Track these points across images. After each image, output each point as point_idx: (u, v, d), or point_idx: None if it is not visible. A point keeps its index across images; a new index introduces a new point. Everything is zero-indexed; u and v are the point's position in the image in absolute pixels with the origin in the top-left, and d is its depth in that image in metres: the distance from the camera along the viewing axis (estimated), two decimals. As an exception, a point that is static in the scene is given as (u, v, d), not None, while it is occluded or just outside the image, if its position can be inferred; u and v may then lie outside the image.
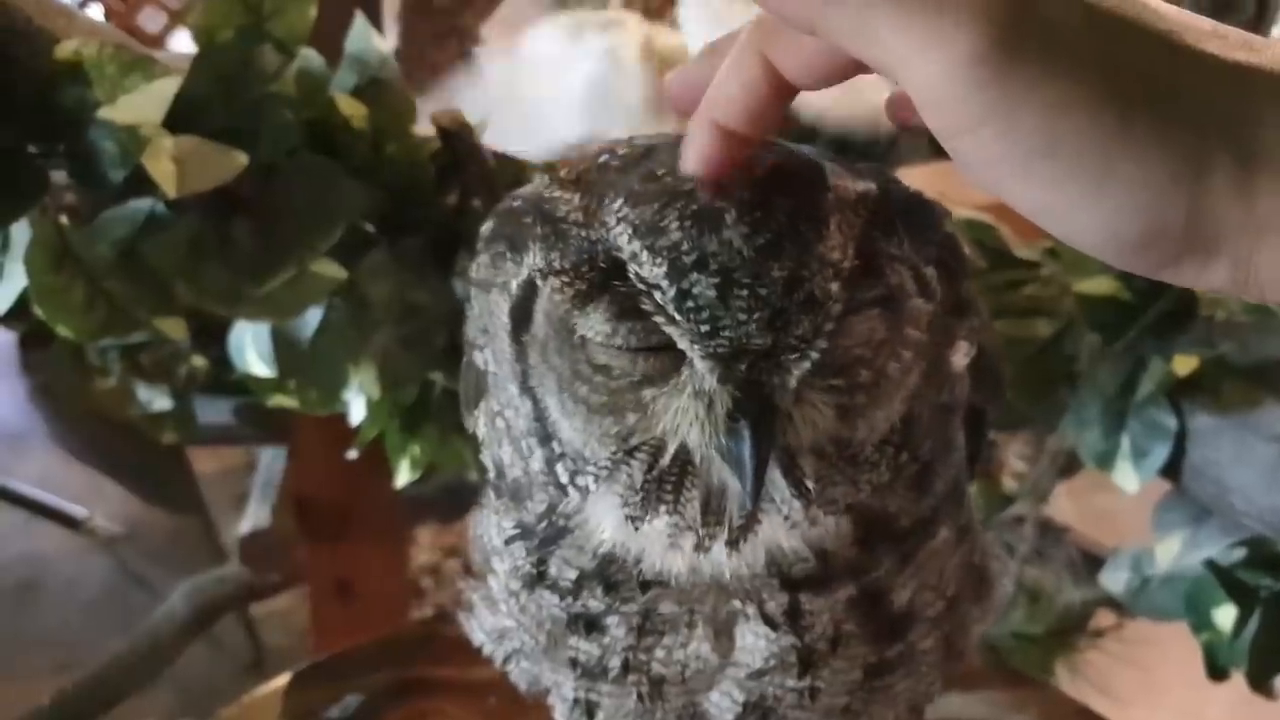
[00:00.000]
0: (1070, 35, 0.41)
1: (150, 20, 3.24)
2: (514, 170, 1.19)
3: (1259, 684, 1.23)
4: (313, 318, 1.18)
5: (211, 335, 1.72)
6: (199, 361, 1.82)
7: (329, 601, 1.88)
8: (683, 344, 0.52)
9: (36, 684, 2.19)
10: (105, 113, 0.96)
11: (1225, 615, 1.23)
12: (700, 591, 0.61)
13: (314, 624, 1.98)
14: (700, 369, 0.52)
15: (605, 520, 0.59)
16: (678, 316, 0.51)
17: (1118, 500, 1.34)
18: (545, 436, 0.59)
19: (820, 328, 0.51)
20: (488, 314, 0.62)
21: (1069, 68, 0.41)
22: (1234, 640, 1.23)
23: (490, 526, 0.68)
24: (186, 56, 1.07)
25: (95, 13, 2.81)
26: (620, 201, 0.53)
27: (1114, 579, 1.38)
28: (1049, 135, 0.41)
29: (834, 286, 0.51)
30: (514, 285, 0.58)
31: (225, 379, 1.79)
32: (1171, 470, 1.29)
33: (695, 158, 0.52)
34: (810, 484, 0.56)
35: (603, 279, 0.53)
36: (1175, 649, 1.38)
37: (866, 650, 0.64)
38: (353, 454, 1.30)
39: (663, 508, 0.57)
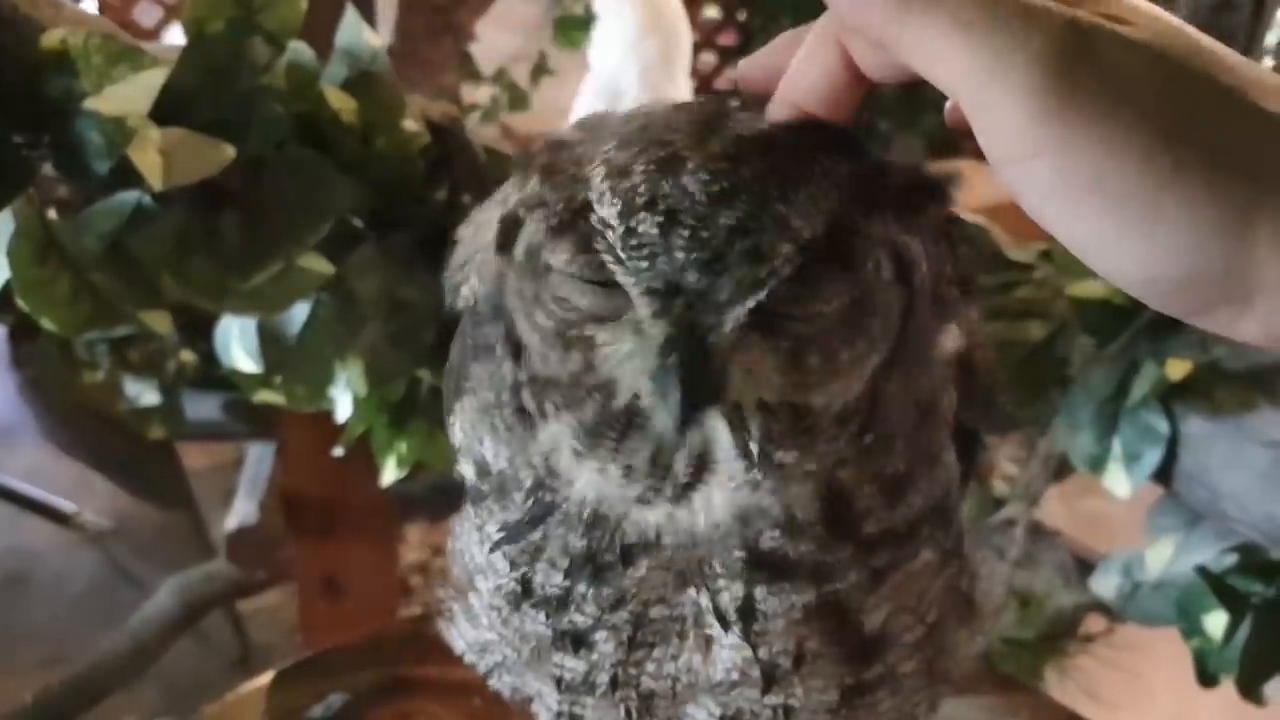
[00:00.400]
0: (1130, 78, 0.43)
1: (145, 14, 3.23)
2: (504, 165, 1.18)
3: (1249, 691, 1.23)
4: (300, 313, 1.17)
5: (200, 330, 1.71)
6: (187, 356, 1.82)
7: (317, 598, 1.87)
8: (624, 281, 0.52)
9: (24, 678, 2.18)
10: (91, 103, 0.95)
11: (1216, 622, 1.23)
12: (672, 568, 0.60)
13: (302, 621, 1.98)
14: (638, 305, 0.52)
15: (579, 474, 0.59)
16: (621, 253, 0.51)
17: (1109, 505, 1.34)
18: (516, 356, 0.60)
19: (761, 280, 0.51)
20: (475, 233, 0.63)
21: (1126, 109, 0.42)
22: (1224, 647, 1.23)
23: (472, 543, 0.67)
24: (176, 48, 1.06)
25: (90, 6, 2.79)
26: (610, 145, 0.54)
27: (1105, 584, 1.37)
28: (1101, 172, 0.42)
29: (785, 246, 0.51)
30: (511, 201, 0.59)
31: (214, 374, 1.79)
32: (1163, 475, 1.28)
33: None
34: (755, 445, 0.55)
35: (572, 216, 0.54)
36: (1165, 655, 1.38)
37: (842, 671, 0.63)
38: (339, 451, 1.29)
39: (610, 453, 0.56)
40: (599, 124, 0.59)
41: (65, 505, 2.92)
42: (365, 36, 1.14)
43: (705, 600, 0.60)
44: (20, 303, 1.00)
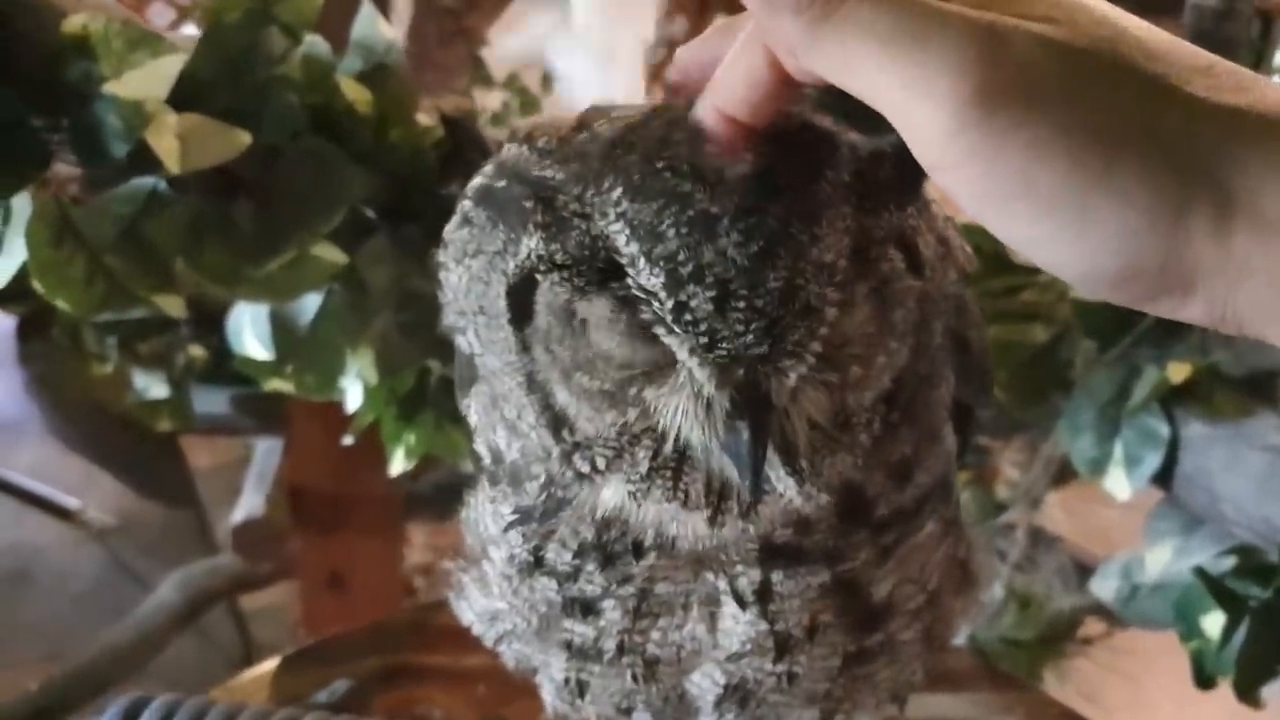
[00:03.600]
0: (1049, 80, 0.42)
1: (159, 15, 3.25)
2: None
3: (1246, 693, 1.23)
4: (311, 303, 1.19)
5: (209, 324, 1.73)
6: (196, 350, 1.83)
7: (320, 593, 1.88)
8: (681, 354, 0.52)
9: (26, 674, 2.19)
10: (110, 88, 0.96)
11: (1213, 623, 1.23)
12: (685, 559, 0.61)
13: (305, 615, 1.98)
14: (699, 376, 0.53)
15: (609, 493, 0.59)
16: (676, 328, 0.51)
17: (1110, 512, 1.35)
18: (557, 427, 0.59)
19: (816, 332, 0.52)
20: (466, 291, 0.60)
21: (1049, 112, 0.42)
22: (1222, 649, 1.23)
23: (485, 514, 0.68)
24: (193, 38, 1.07)
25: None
26: (619, 193, 0.52)
27: (1104, 586, 1.38)
28: (1029, 176, 0.42)
29: (829, 292, 0.52)
30: (511, 266, 0.56)
31: (223, 368, 1.80)
32: (1163, 478, 1.29)
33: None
34: (805, 464, 0.56)
35: (602, 277, 0.53)
36: (1163, 661, 1.38)
37: (845, 639, 0.64)
38: (349, 440, 1.30)
39: (664, 492, 0.57)
40: (572, 148, 0.56)
41: (69, 501, 2.92)
42: (380, 29, 1.15)
43: (723, 584, 0.62)
44: (36, 285, 1.01)
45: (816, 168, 0.53)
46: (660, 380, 0.55)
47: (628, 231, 0.51)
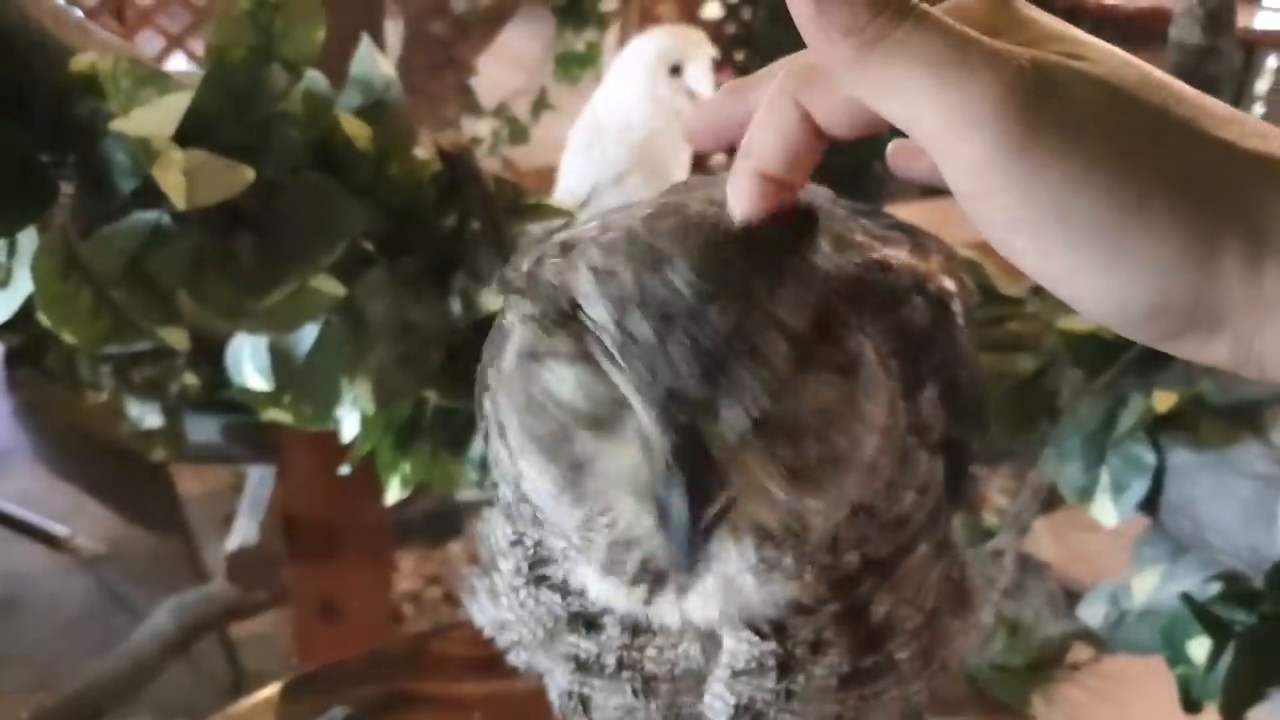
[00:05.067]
0: (1092, 113, 0.43)
1: (148, 43, 3.27)
2: (512, 194, 1.21)
3: (1232, 717, 1.25)
4: (309, 334, 1.20)
5: (204, 353, 1.74)
6: (190, 379, 1.83)
7: (312, 621, 1.88)
8: (626, 390, 0.52)
9: (14, 702, 2.19)
10: (119, 124, 0.98)
11: (1200, 648, 1.25)
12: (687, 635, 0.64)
13: (297, 644, 1.99)
14: (641, 416, 0.52)
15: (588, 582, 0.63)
16: (619, 359, 0.51)
17: (1097, 540, 1.36)
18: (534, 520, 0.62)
19: (764, 383, 0.51)
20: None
21: (1088, 143, 0.43)
22: (1208, 674, 1.25)
23: (496, 527, 0.70)
24: (195, 74, 1.09)
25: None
26: (591, 249, 0.53)
27: (1092, 612, 1.40)
28: (1065, 205, 0.43)
29: (781, 345, 0.52)
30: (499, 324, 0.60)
31: (216, 397, 1.81)
32: (1150, 505, 1.31)
33: (740, 203, 0.53)
34: (754, 558, 0.58)
35: (562, 316, 0.53)
36: (1151, 688, 1.39)
37: (844, 659, 0.65)
38: (345, 470, 1.31)
39: (603, 566, 0.60)
40: (576, 238, 0.57)
41: (58, 529, 2.92)
42: (379, 66, 1.17)
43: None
44: (43, 317, 1.02)
45: (795, 240, 0.53)
46: (606, 430, 0.55)
47: (588, 275, 0.52)
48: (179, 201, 0.97)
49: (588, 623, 0.66)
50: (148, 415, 1.81)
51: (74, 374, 1.83)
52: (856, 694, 0.67)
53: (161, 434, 1.82)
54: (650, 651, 0.66)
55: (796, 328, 0.52)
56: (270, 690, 1.22)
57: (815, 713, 0.67)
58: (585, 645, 0.67)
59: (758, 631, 0.63)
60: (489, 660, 0.76)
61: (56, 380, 1.89)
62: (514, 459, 0.60)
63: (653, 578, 0.59)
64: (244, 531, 1.92)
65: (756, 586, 0.59)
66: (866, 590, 0.64)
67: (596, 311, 0.52)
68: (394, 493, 1.33)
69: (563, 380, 0.55)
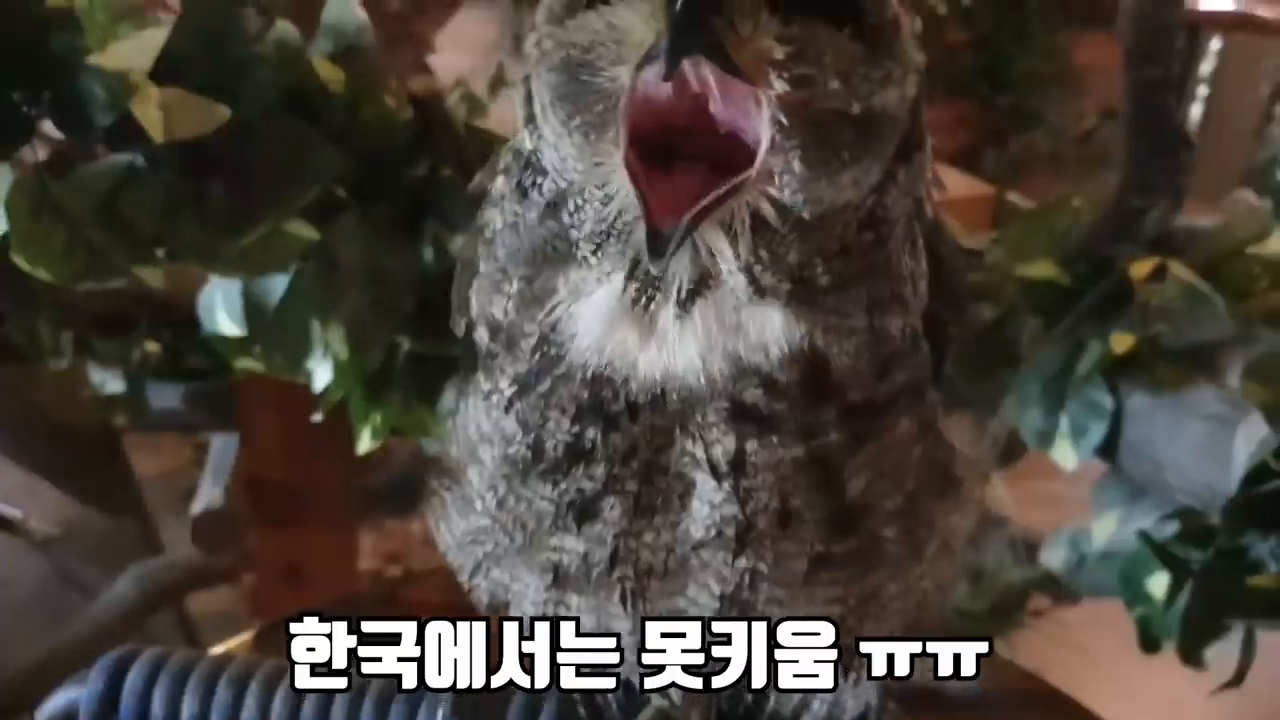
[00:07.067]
0: None
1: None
2: (484, 140, 1.22)
3: (1190, 656, 1.28)
4: (282, 281, 1.20)
5: (166, 319, 1.73)
6: (152, 346, 1.83)
7: (277, 585, 1.88)
8: None
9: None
10: (96, 59, 0.98)
11: (1158, 585, 1.28)
12: (671, 419, 0.61)
13: (261, 608, 1.98)
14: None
15: (585, 322, 0.60)
16: None
17: (1055, 486, 1.39)
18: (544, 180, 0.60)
19: None
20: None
21: None
22: (1166, 611, 1.28)
23: (479, 413, 0.68)
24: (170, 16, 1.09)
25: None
26: None
27: (1053, 556, 1.43)
28: None
29: None
30: None
31: (177, 364, 1.81)
32: (1108, 449, 1.34)
33: None
34: (757, 250, 0.56)
35: None
36: (1109, 636, 1.42)
37: (818, 537, 0.64)
38: (317, 417, 1.31)
39: (615, 251, 0.57)
40: None
41: (11, 511, 2.89)
42: (352, 11, 1.18)
43: (700, 452, 0.61)
44: (16, 256, 1.02)
45: None
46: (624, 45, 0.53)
47: None
48: (157, 134, 0.98)
49: (582, 511, 0.64)
50: (109, 381, 1.80)
51: (35, 342, 1.82)
52: (847, 588, 0.66)
53: (123, 400, 1.81)
54: (648, 536, 0.64)
55: None
56: (242, 638, 1.22)
57: (805, 608, 0.66)
58: (572, 545, 0.65)
59: (714, 469, 0.62)
60: (461, 608, 0.74)
61: (15, 351, 1.88)
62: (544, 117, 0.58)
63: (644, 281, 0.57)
64: (208, 495, 1.91)
65: (746, 307, 0.57)
66: (838, 449, 0.62)
67: None
68: (365, 443, 1.33)
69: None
